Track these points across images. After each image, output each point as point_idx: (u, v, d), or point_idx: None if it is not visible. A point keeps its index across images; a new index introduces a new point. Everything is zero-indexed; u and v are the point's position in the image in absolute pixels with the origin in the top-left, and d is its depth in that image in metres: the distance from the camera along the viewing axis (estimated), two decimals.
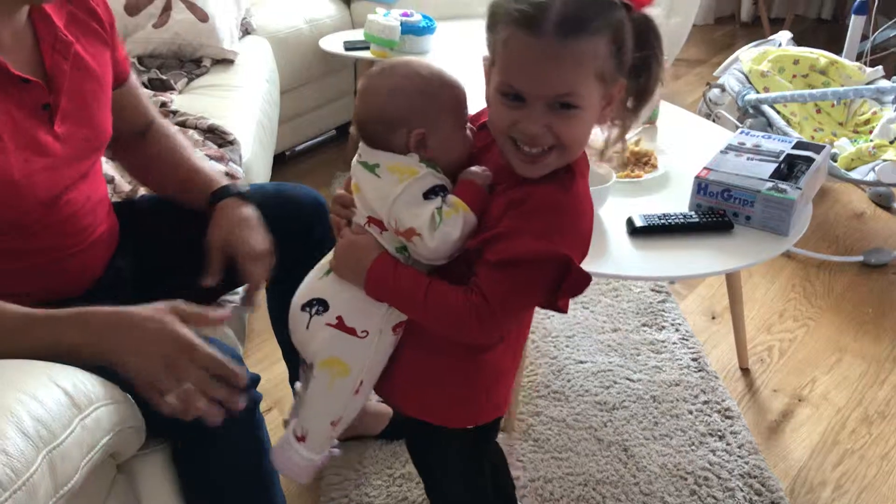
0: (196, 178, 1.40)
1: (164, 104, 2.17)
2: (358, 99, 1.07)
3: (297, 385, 1.19)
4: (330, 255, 1.11)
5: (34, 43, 1.17)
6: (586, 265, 1.39)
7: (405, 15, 2.78)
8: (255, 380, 1.20)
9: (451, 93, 1.03)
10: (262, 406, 1.23)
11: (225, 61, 2.53)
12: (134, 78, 1.44)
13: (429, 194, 0.99)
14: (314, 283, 1.11)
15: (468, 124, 1.06)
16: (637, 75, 0.96)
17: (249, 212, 1.34)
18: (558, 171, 0.97)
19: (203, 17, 2.49)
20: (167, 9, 2.49)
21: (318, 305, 1.08)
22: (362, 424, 1.73)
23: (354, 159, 1.08)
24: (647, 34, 0.95)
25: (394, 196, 1.00)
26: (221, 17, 2.53)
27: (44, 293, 1.10)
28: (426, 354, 1.10)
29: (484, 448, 1.27)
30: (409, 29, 2.74)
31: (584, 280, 0.96)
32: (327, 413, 1.12)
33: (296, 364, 1.60)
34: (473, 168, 1.02)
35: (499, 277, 0.95)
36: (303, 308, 1.09)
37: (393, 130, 1.02)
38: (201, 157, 1.47)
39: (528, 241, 0.93)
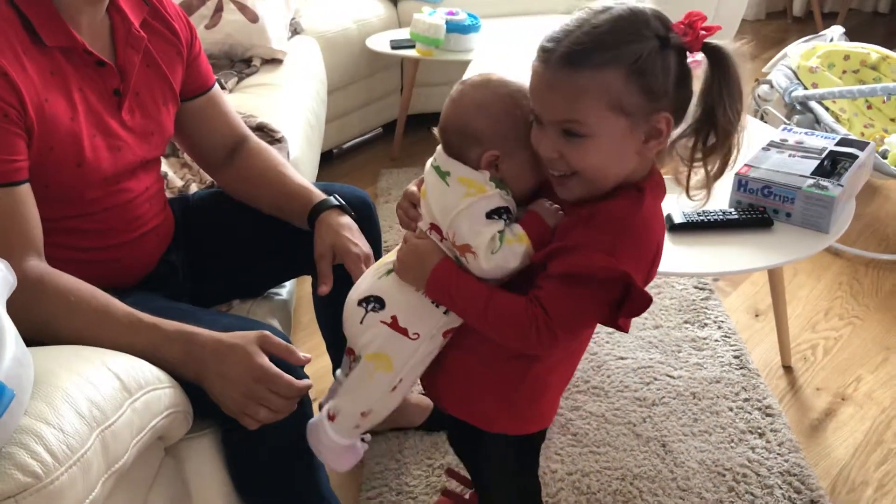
0: (293, 196, 1.45)
1: None
2: (447, 103, 1.07)
3: (338, 372, 1.23)
4: (391, 256, 1.14)
5: (109, 34, 1.25)
6: None
7: (451, 13, 2.81)
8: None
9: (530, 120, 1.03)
10: (309, 396, 1.27)
11: (274, 61, 2.60)
12: (219, 90, 1.49)
13: (492, 214, 1.00)
14: (374, 281, 1.14)
15: None
16: (711, 113, 0.95)
17: (348, 220, 1.40)
18: (627, 190, 0.98)
19: (253, 17, 2.55)
20: (219, 10, 2.56)
21: (375, 303, 1.11)
22: (403, 415, 1.77)
23: (429, 161, 1.09)
24: (718, 63, 0.94)
25: (458, 209, 1.01)
26: (271, 18, 2.60)
27: (99, 283, 1.16)
28: (476, 359, 1.12)
29: (531, 453, 1.28)
30: (454, 27, 2.77)
31: (645, 301, 0.97)
32: (361, 401, 1.15)
33: (340, 356, 1.65)
34: (546, 203, 1.02)
35: (561, 291, 0.97)
36: (359, 303, 1.13)
37: (470, 145, 1.03)
38: (294, 172, 1.51)
39: (591, 255, 0.94)
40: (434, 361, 1.15)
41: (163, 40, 1.33)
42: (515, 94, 1.03)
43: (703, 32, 0.93)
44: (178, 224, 1.48)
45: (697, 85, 0.97)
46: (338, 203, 1.42)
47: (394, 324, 1.10)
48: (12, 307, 1.01)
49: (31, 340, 0.93)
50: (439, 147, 1.08)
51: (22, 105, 1.08)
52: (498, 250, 0.99)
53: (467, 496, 1.60)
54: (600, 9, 0.94)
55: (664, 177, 1.05)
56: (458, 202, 1.01)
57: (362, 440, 1.22)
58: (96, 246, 1.28)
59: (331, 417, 1.17)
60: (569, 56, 0.92)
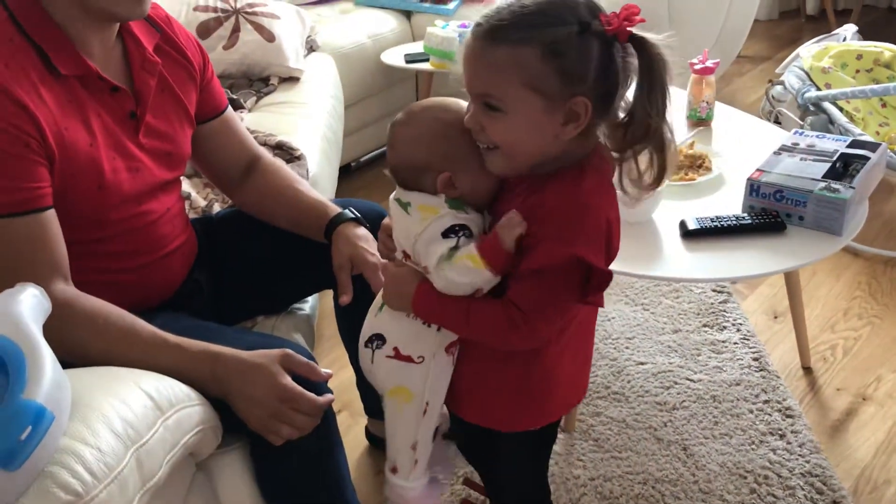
0: (309, 211, 1.49)
1: None
2: (387, 148, 1.12)
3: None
4: (381, 293, 1.19)
5: (123, 58, 1.29)
6: (636, 267, 1.43)
7: (463, 26, 2.85)
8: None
9: (470, 133, 1.06)
10: (333, 408, 1.31)
11: (291, 79, 2.64)
12: (232, 111, 1.53)
13: (447, 233, 1.04)
14: (371, 320, 1.19)
15: None
16: (645, 100, 0.97)
17: (364, 231, 1.44)
18: (567, 171, 1.01)
19: (270, 37, 2.60)
20: (236, 30, 2.61)
21: (377, 340, 1.16)
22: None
23: (392, 196, 1.13)
24: (644, 54, 0.96)
25: (415, 234, 1.06)
26: (287, 37, 2.65)
27: (126, 303, 1.21)
28: (482, 364, 1.15)
29: (548, 445, 1.32)
30: None
31: (605, 278, 1.00)
32: (404, 437, 1.19)
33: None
34: (504, 217, 1.01)
35: (526, 287, 1.01)
36: (365, 345, 1.18)
37: (421, 175, 1.08)
38: (308, 188, 1.55)
39: (544, 247, 0.98)
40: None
41: (176, 65, 1.37)
42: (440, 115, 1.07)
43: (626, 22, 0.94)
44: (202, 243, 1.52)
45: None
46: (353, 216, 1.46)
47: (397, 354, 1.14)
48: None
49: (62, 363, 0.97)
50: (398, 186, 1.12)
51: (41, 135, 1.13)
52: (446, 267, 1.02)
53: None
54: None
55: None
56: (417, 227, 1.06)
57: (435, 479, 1.26)
58: (121, 268, 1.32)
59: (394, 470, 1.22)
60: (490, 31, 0.95)
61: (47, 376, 0.89)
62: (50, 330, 1.04)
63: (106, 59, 1.25)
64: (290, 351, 1.18)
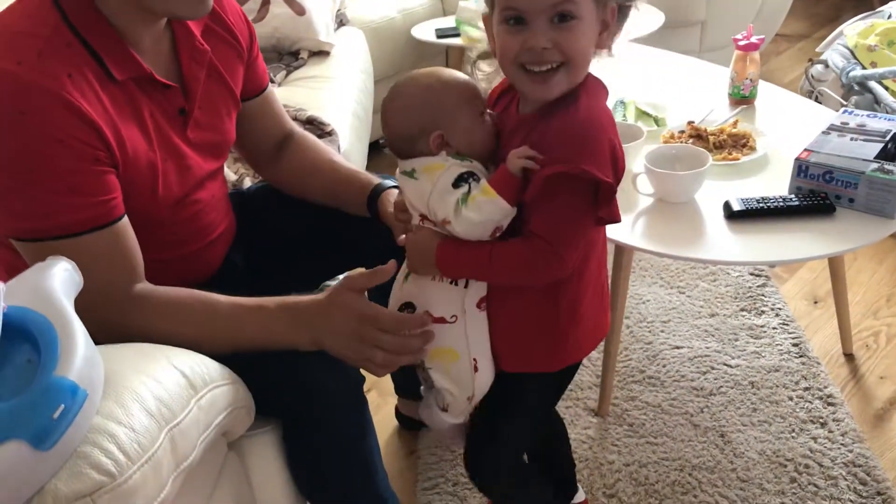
0: (349, 183, 1.47)
1: None
2: (382, 125, 1.17)
3: (422, 388, 1.29)
4: (405, 265, 1.19)
5: (171, 48, 1.24)
6: (679, 249, 1.40)
7: None
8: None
9: (454, 92, 1.11)
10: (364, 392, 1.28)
11: (322, 53, 2.61)
12: (272, 89, 1.50)
13: (458, 182, 1.07)
14: (397, 291, 1.21)
15: (487, 110, 1.13)
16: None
17: None
18: (564, 100, 1.04)
19: (300, 10, 2.54)
20: (266, 3, 2.55)
21: (407, 309, 1.18)
22: None
23: (397, 171, 1.17)
24: None
25: (428, 192, 1.09)
26: (318, 11, 2.60)
27: (167, 284, 1.19)
28: (508, 310, 1.15)
29: (566, 386, 1.34)
30: None
31: (609, 189, 1.02)
32: (460, 393, 1.20)
33: None
34: (512, 152, 1.05)
35: (544, 216, 1.03)
36: None
37: (415, 142, 1.12)
38: (344, 161, 1.53)
39: (556, 165, 1.00)
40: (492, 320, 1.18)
41: (224, 44, 1.32)
42: (423, 81, 1.13)
43: None
44: (237, 221, 1.50)
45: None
46: (394, 184, 1.43)
47: (430, 318, 1.15)
48: (128, 330, 1.09)
49: (99, 340, 0.95)
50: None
51: (107, 146, 1.10)
52: (463, 210, 1.05)
53: None
54: None
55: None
56: (428, 186, 1.09)
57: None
58: (167, 257, 1.29)
59: (444, 409, 1.23)
60: None
61: (80, 353, 0.87)
62: (137, 330, 1.09)
63: (156, 53, 1.21)
64: (349, 273, 1.17)
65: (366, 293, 1.17)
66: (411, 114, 1.12)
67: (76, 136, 1.05)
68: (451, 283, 1.14)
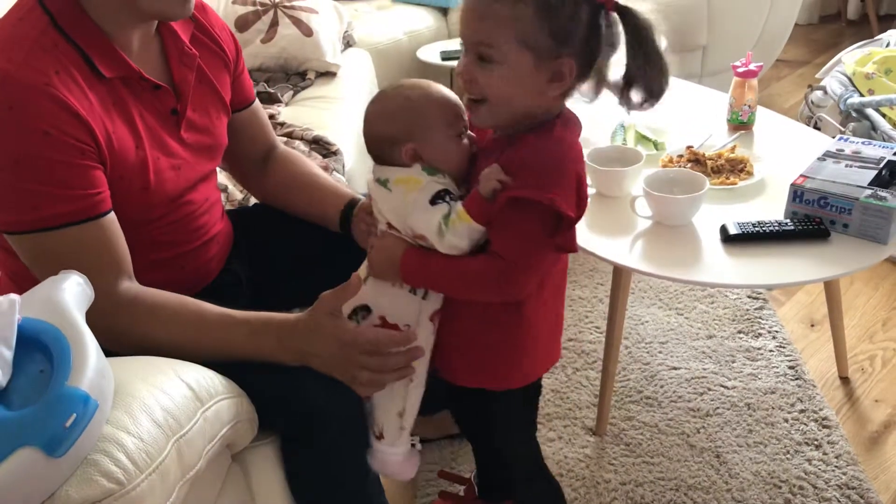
0: (325, 198, 1.50)
1: (272, 116, 2.29)
2: (362, 125, 1.20)
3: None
4: (363, 266, 1.22)
5: (161, 53, 1.28)
6: (676, 271, 1.44)
7: None
8: None
9: (436, 108, 1.14)
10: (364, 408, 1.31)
11: (328, 73, 2.65)
12: (258, 103, 1.54)
13: (435, 199, 1.09)
14: None
15: (466, 132, 1.16)
16: (637, 71, 1.06)
17: None
18: (538, 128, 1.08)
19: (308, 31, 2.61)
20: (274, 24, 2.62)
21: (363, 311, 1.20)
22: (454, 423, 1.79)
23: (369, 177, 1.19)
24: (631, 22, 1.04)
25: (404, 209, 1.12)
26: (325, 32, 2.65)
27: (165, 287, 1.22)
28: (470, 326, 1.19)
29: (534, 404, 1.38)
30: None
31: (570, 218, 1.05)
32: (391, 406, 1.22)
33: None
34: (483, 172, 1.08)
35: (507, 237, 1.06)
36: (350, 317, 1.20)
37: (390, 148, 1.14)
38: (322, 174, 1.56)
39: (521, 191, 1.03)
40: (441, 342, 1.22)
41: (211, 53, 1.36)
42: (406, 92, 1.16)
43: None
44: (239, 234, 1.53)
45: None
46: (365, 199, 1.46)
47: (384, 324, 1.18)
48: (113, 330, 1.09)
49: (109, 352, 0.98)
50: (373, 163, 1.20)
51: (95, 141, 1.13)
52: (447, 232, 1.07)
53: (462, 493, 1.66)
54: None
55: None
56: (403, 201, 1.12)
57: (413, 445, 1.28)
58: (159, 258, 1.32)
59: (379, 437, 1.24)
60: None
61: (91, 364, 0.90)
62: (122, 329, 1.10)
63: (145, 56, 1.25)
64: (322, 295, 1.17)
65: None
66: (389, 121, 1.15)
67: (62, 129, 1.09)
68: (410, 291, 1.17)
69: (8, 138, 1.08)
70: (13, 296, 0.95)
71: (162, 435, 0.92)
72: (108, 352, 1.04)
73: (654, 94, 1.07)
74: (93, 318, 1.04)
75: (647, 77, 1.06)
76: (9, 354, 0.90)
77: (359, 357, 1.14)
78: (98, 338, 1.01)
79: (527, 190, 1.02)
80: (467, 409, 1.40)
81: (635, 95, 1.08)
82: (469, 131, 1.17)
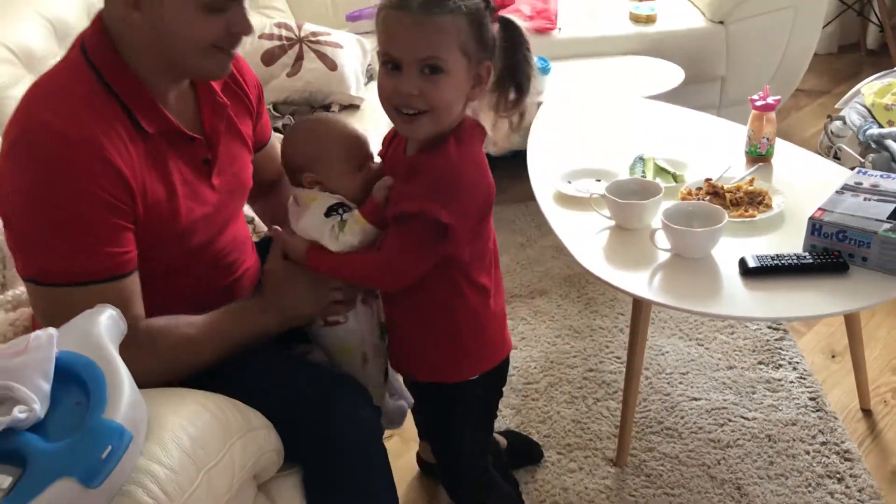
0: None
1: None
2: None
3: None
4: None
5: (195, 104, 1.32)
6: (695, 304, 1.47)
7: None
8: (377, 413, 1.32)
9: (338, 145, 1.30)
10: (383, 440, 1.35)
11: (352, 106, 2.70)
12: (274, 138, 1.58)
13: (329, 212, 1.26)
14: None
15: (370, 162, 1.31)
16: (512, 71, 1.22)
17: None
18: (439, 142, 1.19)
19: (332, 66, 2.66)
20: (300, 58, 2.67)
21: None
22: None
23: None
24: (511, 31, 1.21)
25: (302, 219, 1.28)
26: (349, 66, 2.70)
27: None
28: (418, 324, 1.33)
29: (495, 396, 1.49)
30: None
31: (450, 227, 1.17)
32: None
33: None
34: (378, 183, 1.26)
35: (392, 234, 1.22)
36: (305, 328, 1.37)
37: (296, 174, 1.32)
38: None
39: (405, 203, 1.17)
40: (396, 345, 1.38)
41: (236, 99, 1.39)
42: (311, 124, 1.36)
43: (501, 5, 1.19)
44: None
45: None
46: None
47: (326, 322, 1.35)
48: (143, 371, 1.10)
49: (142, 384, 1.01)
50: None
51: (132, 198, 1.16)
52: (340, 235, 1.24)
53: None
54: None
55: None
56: (301, 213, 1.29)
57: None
58: (193, 295, 1.35)
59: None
60: (429, 2, 1.12)
61: (126, 397, 0.93)
62: (150, 368, 1.14)
63: (180, 108, 1.28)
64: (267, 261, 1.35)
65: None
66: (295, 150, 1.32)
67: (104, 187, 1.12)
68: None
69: (50, 193, 1.11)
70: (51, 330, 0.99)
71: (193, 466, 0.95)
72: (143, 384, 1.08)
73: (522, 90, 1.24)
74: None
75: (521, 75, 1.23)
76: (47, 387, 0.94)
77: (328, 290, 1.29)
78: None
79: (404, 203, 1.17)
80: (428, 404, 1.48)
81: (511, 93, 1.24)
82: (379, 157, 1.34)
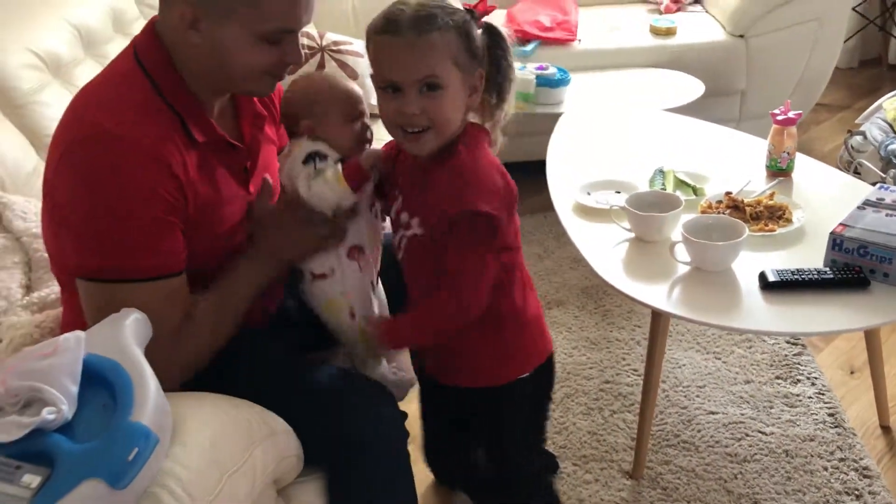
0: None
1: None
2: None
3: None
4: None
5: (234, 115, 1.36)
6: (714, 317, 1.54)
7: (540, 68, 2.89)
8: (402, 416, 1.32)
9: (334, 95, 1.34)
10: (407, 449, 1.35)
11: (373, 116, 2.71)
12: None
13: (307, 160, 1.30)
14: None
15: (362, 120, 1.35)
16: (494, 75, 1.26)
17: None
18: (449, 150, 1.23)
19: (353, 74, 2.68)
20: (320, 67, 2.70)
21: (299, 274, 1.39)
22: None
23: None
24: (495, 37, 1.25)
25: (285, 165, 1.34)
26: (369, 75, 2.72)
27: None
28: (461, 334, 1.31)
29: (546, 395, 1.51)
30: (544, 81, 2.84)
31: (497, 223, 1.21)
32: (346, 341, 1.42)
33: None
34: (369, 150, 1.32)
35: (451, 256, 1.22)
36: (297, 284, 1.41)
37: (293, 123, 1.36)
38: None
39: (441, 207, 1.20)
40: (443, 358, 1.39)
41: (266, 108, 1.43)
42: (313, 77, 1.40)
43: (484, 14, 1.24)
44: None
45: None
46: None
47: (314, 276, 1.38)
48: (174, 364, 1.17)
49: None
50: None
51: (185, 200, 1.21)
52: (313, 184, 1.28)
53: None
54: None
55: None
56: (287, 161, 1.35)
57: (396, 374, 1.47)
58: None
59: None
60: (418, 22, 1.16)
61: (152, 400, 0.94)
62: (196, 349, 1.22)
63: (223, 118, 1.33)
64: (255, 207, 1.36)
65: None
66: (296, 100, 1.36)
67: (163, 186, 1.17)
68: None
69: (110, 191, 1.14)
70: (79, 333, 1.00)
71: (216, 470, 0.96)
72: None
73: (503, 95, 1.28)
74: (164, 348, 1.14)
75: (504, 80, 1.27)
76: (75, 389, 0.95)
77: (320, 227, 1.32)
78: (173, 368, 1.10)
79: (452, 209, 1.19)
80: (477, 413, 1.48)
81: (493, 98, 1.27)
82: (365, 121, 1.36)
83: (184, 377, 1.22)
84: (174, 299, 1.21)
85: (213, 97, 1.28)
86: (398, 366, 1.51)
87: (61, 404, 0.92)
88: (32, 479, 0.86)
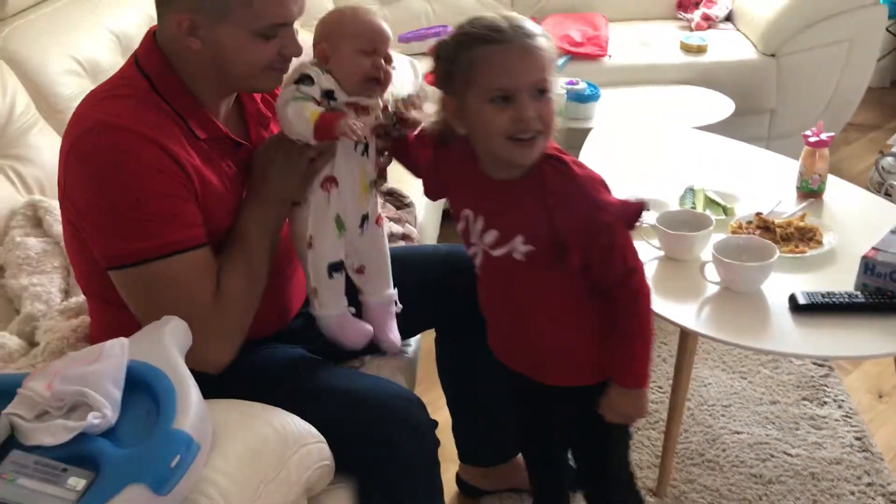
0: None
1: None
2: None
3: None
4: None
5: (240, 115, 1.40)
6: (743, 338, 1.61)
7: (570, 83, 2.90)
8: (434, 425, 1.33)
9: (354, 25, 1.31)
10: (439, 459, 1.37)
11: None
12: None
13: (298, 81, 1.28)
14: None
15: (375, 56, 1.31)
16: None
17: None
18: (546, 168, 1.21)
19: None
20: None
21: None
22: (520, 476, 1.81)
23: None
24: None
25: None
26: (401, 86, 2.71)
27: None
28: (558, 332, 1.31)
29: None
30: (574, 96, 2.85)
31: (637, 208, 1.23)
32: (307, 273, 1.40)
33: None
34: (347, 123, 1.23)
35: (612, 257, 1.22)
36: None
37: (317, 48, 1.33)
38: None
39: (570, 223, 1.19)
40: (548, 363, 1.35)
41: (270, 108, 1.45)
42: (345, 7, 1.36)
43: None
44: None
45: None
46: None
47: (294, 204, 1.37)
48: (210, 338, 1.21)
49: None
50: None
51: (191, 181, 1.24)
52: (291, 105, 1.26)
53: None
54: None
55: None
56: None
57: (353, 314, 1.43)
58: None
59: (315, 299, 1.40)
60: (530, 31, 1.18)
61: (193, 408, 0.96)
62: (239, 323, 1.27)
63: (228, 118, 1.36)
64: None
65: None
66: (321, 25, 1.34)
67: (169, 167, 1.20)
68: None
69: (125, 178, 1.19)
70: (123, 340, 1.03)
71: (254, 478, 0.98)
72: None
73: None
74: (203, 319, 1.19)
75: None
76: (118, 395, 0.97)
77: (304, 153, 1.30)
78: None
79: (598, 216, 1.20)
80: (580, 415, 1.43)
81: None
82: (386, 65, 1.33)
83: (233, 347, 1.26)
84: (205, 270, 1.24)
85: (217, 100, 1.32)
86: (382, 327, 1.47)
87: (106, 409, 0.94)
88: (78, 482, 0.88)
